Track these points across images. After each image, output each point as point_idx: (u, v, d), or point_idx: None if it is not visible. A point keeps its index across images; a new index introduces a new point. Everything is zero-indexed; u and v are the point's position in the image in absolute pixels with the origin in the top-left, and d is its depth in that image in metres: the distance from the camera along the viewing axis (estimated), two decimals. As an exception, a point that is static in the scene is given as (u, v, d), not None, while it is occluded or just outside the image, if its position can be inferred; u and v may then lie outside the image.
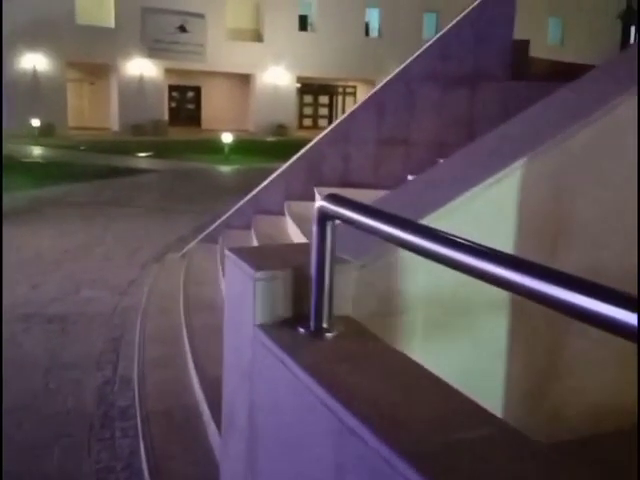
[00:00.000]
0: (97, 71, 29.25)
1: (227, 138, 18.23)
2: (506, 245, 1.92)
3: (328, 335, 1.49)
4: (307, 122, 36.41)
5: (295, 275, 1.56)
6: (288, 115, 32.28)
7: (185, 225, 8.45)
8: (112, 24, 27.56)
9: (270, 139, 28.17)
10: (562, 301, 0.99)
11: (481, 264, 1.14)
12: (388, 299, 1.86)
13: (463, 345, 2.01)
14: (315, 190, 6.23)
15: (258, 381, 1.54)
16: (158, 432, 3.13)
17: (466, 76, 6.42)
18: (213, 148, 19.88)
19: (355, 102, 36.94)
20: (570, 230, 2.27)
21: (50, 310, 5.10)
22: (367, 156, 6.46)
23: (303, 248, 1.65)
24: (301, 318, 1.54)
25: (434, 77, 6.39)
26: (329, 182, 6.36)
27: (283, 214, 6.18)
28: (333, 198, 1.42)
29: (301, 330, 1.52)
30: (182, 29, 28.56)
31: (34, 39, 25.55)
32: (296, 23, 31.75)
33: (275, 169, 6.86)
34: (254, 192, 6.67)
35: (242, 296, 1.61)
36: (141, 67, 28.54)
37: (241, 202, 6.70)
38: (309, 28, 32.55)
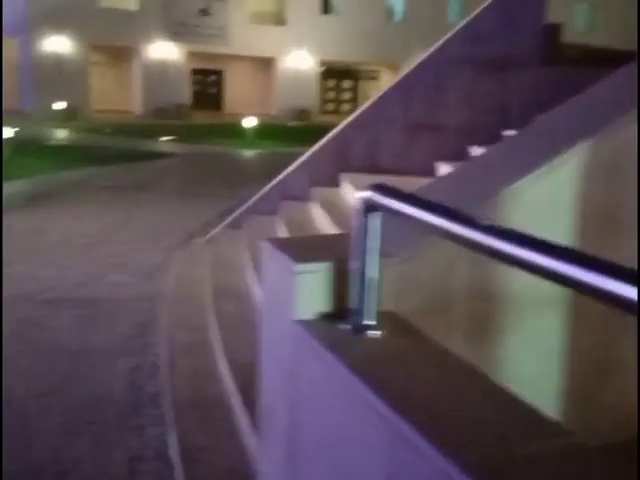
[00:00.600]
0: (120, 54, 29.30)
1: (250, 122, 18.17)
2: (557, 237, 1.84)
3: (373, 333, 1.43)
4: (329, 107, 36.18)
5: (337, 268, 1.49)
6: (310, 99, 32.11)
7: (210, 210, 8.43)
8: (135, 7, 27.53)
9: (292, 124, 28.05)
10: (620, 296, 0.93)
11: (535, 257, 1.08)
12: (432, 295, 1.79)
13: (511, 344, 1.94)
14: (341, 176, 6.16)
15: (300, 380, 1.49)
16: (188, 421, 3.11)
17: (497, 60, 6.28)
18: (236, 132, 19.84)
19: (378, 86, 36.62)
20: (625, 221, 2.18)
21: (78, 294, 5.11)
22: (395, 142, 6.36)
23: (343, 239, 1.58)
24: (343, 314, 1.47)
25: (464, 61, 6.26)
26: (356, 168, 6.28)
27: (309, 200, 6.11)
28: (379, 188, 1.36)
29: (344, 327, 1.45)
30: (204, 12, 28.44)
31: (58, 22, 25.62)
32: (319, 6, 31.44)
33: (298, 154, 6.79)
34: (279, 178, 6.62)
35: (280, 290, 1.55)
36: (164, 50, 28.52)
37: (266, 187, 6.65)
38: (332, 11, 32.22)
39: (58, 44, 26.25)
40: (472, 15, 6.26)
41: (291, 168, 6.61)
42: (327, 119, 30.15)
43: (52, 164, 12.60)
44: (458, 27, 6.34)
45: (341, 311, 1.48)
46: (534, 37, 6.30)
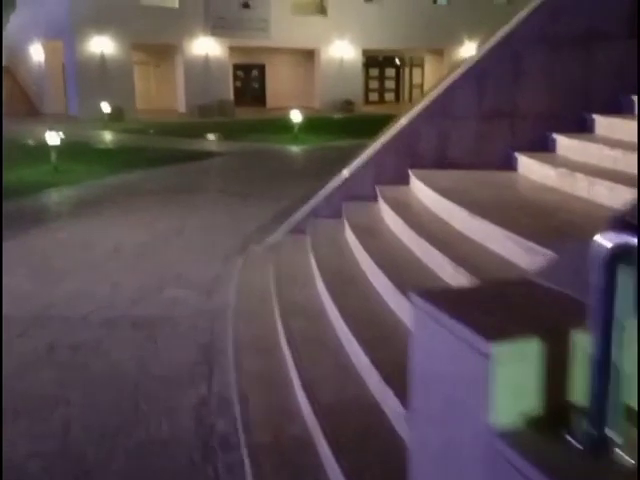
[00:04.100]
0: (162, 52, 29.16)
1: (295, 117, 17.68)
2: None
3: (622, 455, 0.91)
4: (373, 97, 35.41)
5: (548, 346, 0.98)
6: (354, 90, 31.43)
7: (263, 212, 7.99)
8: (176, 3, 27.30)
9: (337, 116, 27.48)
10: None
11: None
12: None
13: None
14: (410, 172, 5.64)
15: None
16: (269, 472, 2.67)
17: (579, 36, 5.66)
18: (281, 127, 19.40)
19: (423, 74, 35.69)
20: None
21: (134, 312, 4.73)
22: (467, 132, 5.80)
23: (535, 291, 1.07)
24: (561, 416, 0.97)
25: (543, 39, 5.65)
26: (426, 163, 5.75)
27: (376, 200, 5.62)
28: (630, 228, 0.86)
29: (572, 441, 0.95)
30: (245, 5, 28.00)
31: (100, 22, 25.52)
32: (361, -7, 30.71)
33: (350, 147, 6.27)
34: (341, 176, 6.11)
35: (459, 377, 1.04)
36: (205, 46, 28.23)
37: (327, 187, 6.16)
38: (374, -2, 31.44)
39: (101, 45, 26.20)
40: (550, -12, 5.63)
41: (352, 165, 6.10)
42: (372, 109, 29.51)
43: (102, 168, 12.38)
44: (534, 3, 5.72)
45: (558, 412, 0.97)
46: (621, 7, 5.65)
